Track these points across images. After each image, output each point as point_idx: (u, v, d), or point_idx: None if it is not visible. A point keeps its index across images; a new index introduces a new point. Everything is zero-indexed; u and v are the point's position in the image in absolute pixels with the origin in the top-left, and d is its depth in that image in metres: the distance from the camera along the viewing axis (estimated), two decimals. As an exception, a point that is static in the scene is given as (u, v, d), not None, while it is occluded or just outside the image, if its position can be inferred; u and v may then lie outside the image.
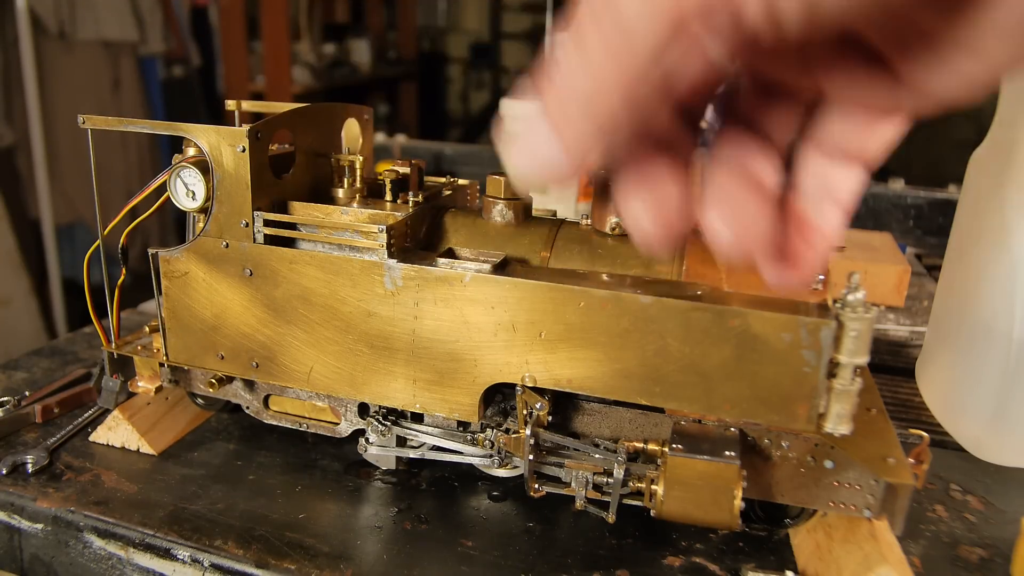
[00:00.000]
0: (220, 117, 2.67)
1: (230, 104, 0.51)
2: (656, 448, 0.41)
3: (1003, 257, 0.52)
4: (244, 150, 0.42)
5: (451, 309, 0.41)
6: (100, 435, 0.52)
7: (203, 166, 0.44)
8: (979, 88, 0.20)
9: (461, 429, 0.46)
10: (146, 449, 0.51)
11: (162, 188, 0.46)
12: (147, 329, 0.52)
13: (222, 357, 0.47)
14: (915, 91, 0.21)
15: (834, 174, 0.23)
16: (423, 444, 0.47)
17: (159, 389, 0.50)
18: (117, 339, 0.50)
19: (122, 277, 0.49)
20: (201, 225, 0.45)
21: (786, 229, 0.23)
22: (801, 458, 0.39)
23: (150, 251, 0.46)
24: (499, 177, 0.46)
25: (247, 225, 0.43)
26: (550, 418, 0.43)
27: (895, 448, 0.39)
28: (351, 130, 0.53)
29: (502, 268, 0.40)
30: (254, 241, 0.44)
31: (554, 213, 0.49)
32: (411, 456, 0.48)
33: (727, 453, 0.38)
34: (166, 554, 0.42)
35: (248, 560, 0.41)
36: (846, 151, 0.23)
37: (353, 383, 0.44)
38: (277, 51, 2.72)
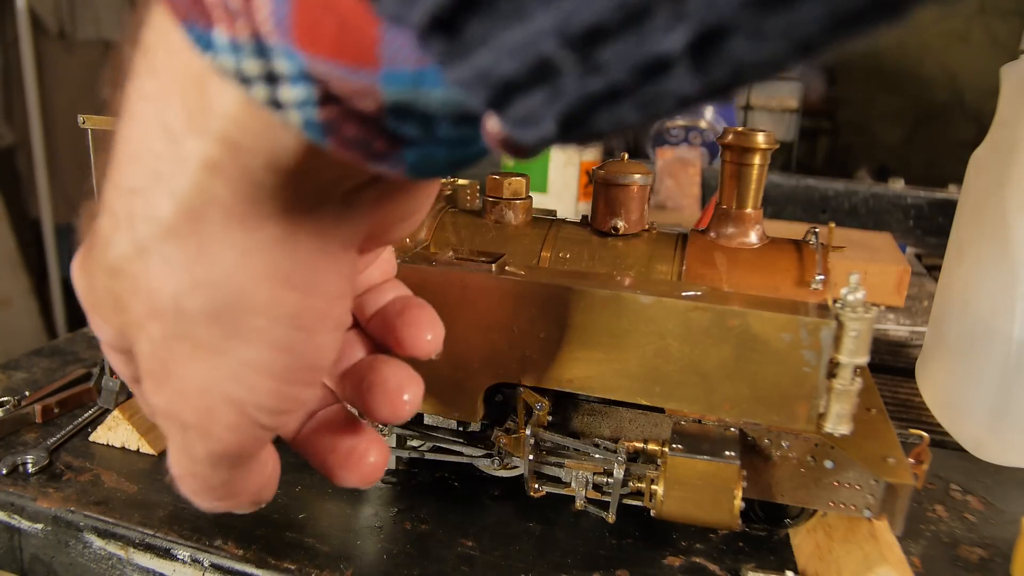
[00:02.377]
0: (220, 117, 2.66)
1: (230, 104, 0.51)
2: (656, 448, 0.41)
3: (1003, 257, 0.52)
4: (244, 150, 0.42)
5: (451, 309, 0.40)
6: (100, 435, 0.52)
7: (203, 166, 0.44)
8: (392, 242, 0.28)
9: (461, 429, 0.46)
10: (146, 449, 0.51)
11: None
12: (147, 329, 0.52)
13: (222, 357, 0.47)
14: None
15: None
16: (423, 444, 0.47)
17: (159, 389, 0.50)
18: (117, 339, 0.50)
19: (122, 277, 0.49)
20: (201, 225, 0.45)
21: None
22: (801, 458, 0.39)
23: (150, 251, 0.46)
24: (499, 177, 0.46)
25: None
26: (550, 418, 0.43)
27: (895, 448, 0.39)
28: (351, 130, 0.53)
29: (502, 268, 0.40)
30: (254, 241, 0.44)
31: (554, 213, 0.49)
32: (411, 456, 0.48)
33: (727, 453, 0.38)
34: (166, 554, 0.42)
35: (248, 560, 0.41)
36: (380, 281, 0.31)
37: (353, 383, 0.44)
38: (277, 51, 2.72)
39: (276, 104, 0.17)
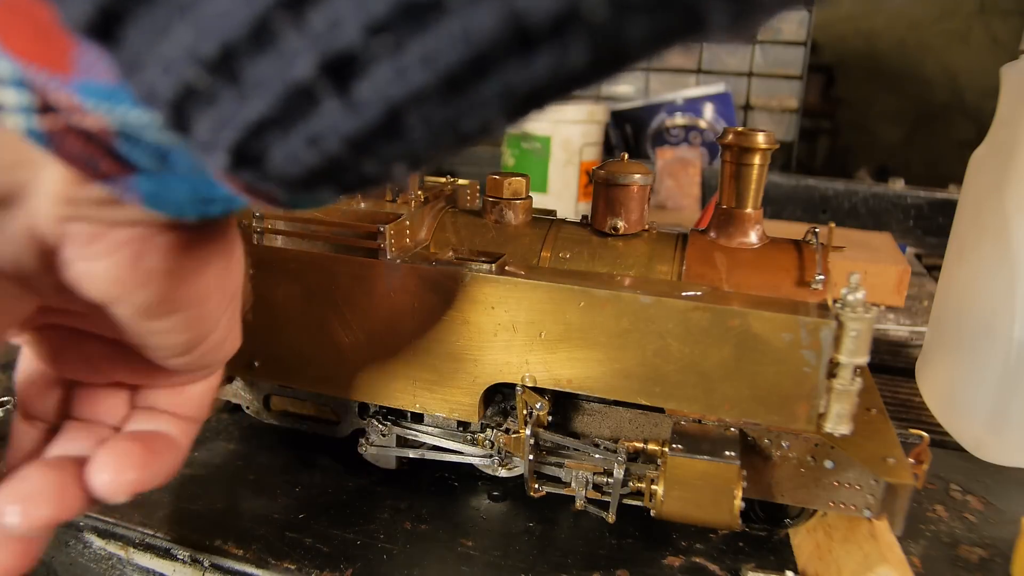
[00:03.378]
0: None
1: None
2: (656, 448, 0.41)
3: (1003, 257, 0.52)
4: (244, 150, 0.42)
5: (451, 309, 0.41)
6: (100, 435, 0.52)
7: (203, 166, 0.44)
8: (193, 380, 0.28)
9: (461, 429, 0.46)
10: (146, 449, 0.51)
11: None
12: (147, 329, 0.52)
13: (222, 357, 0.47)
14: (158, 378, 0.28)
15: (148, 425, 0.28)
16: (423, 444, 0.47)
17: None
18: (117, 339, 0.50)
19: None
20: (201, 225, 0.45)
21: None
22: (801, 458, 0.39)
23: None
24: (499, 177, 0.46)
25: (247, 225, 0.43)
26: (550, 418, 0.43)
27: (895, 448, 0.39)
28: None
29: (502, 268, 0.40)
30: (254, 241, 0.44)
31: (554, 213, 0.49)
32: (411, 456, 0.48)
33: (727, 453, 0.38)
34: (166, 554, 0.42)
35: (248, 560, 0.41)
36: (166, 410, 0.29)
37: (353, 383, 0.44)
38: (277, 51, 2.71)
39: None
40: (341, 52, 0.12)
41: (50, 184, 0.18)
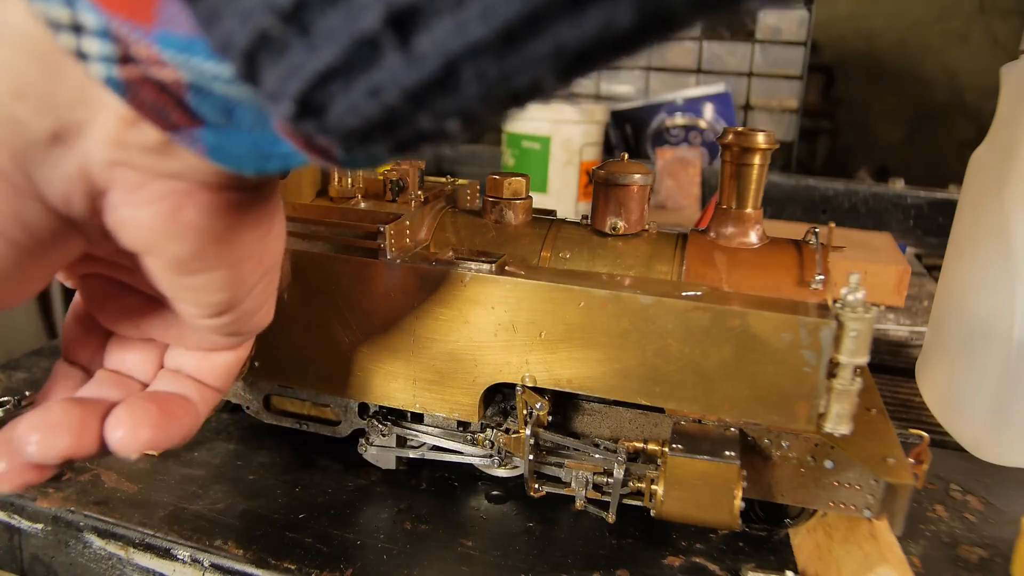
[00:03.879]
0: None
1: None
2: (656, 448, 0.41)
3: (1003, 257, 0.52)
4: (244, 150, 0.42)
5: (451, 309, 0.41)
6: (100, 435, 0.52)
7: (203, 166, 0.44)
8: (221, 346, 0.29)
9: (461, 429, 0.46)
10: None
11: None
12: (147, 329, 0.52)
13: (222, 357, 0.47)
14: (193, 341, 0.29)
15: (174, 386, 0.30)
16: (423, 444, 0.47)
17: (159, 389, 0.49)
18: (117, 339, 0.50)
19: (122, 277, 0.49)
20: (201, 225, 0.45)
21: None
22: (801, 458, 0.39)
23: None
24: (499, 177, 0.46)
25: (247, 225, 0.43)
26: (550, 418, 0.43)
27: (895, 448, 0.39)
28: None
29: (502, 268, 0.40)
30: (254, 241, 0.44)
31: (554, 213, 0.49)
32: (411, 456, 0.48)
33: (727, 453, 0.38)
34: (166, 554, 0.42)
35: (248, 560, 0.41)
36: (191, 376, 0.30)
37: (353, 383, 0.44)
38: (277, 51, 2.71)
39: (82, 55, 0.17)
40: (407, 5, 0.13)
41: (104, 126, 0.19)
